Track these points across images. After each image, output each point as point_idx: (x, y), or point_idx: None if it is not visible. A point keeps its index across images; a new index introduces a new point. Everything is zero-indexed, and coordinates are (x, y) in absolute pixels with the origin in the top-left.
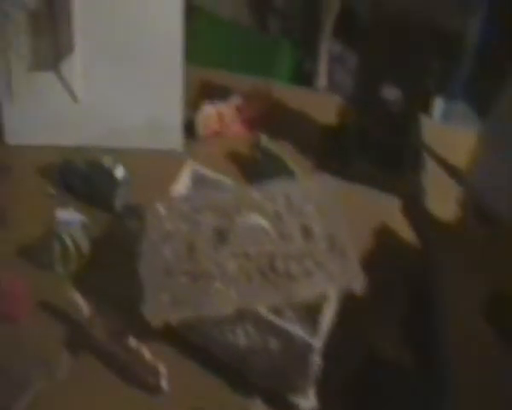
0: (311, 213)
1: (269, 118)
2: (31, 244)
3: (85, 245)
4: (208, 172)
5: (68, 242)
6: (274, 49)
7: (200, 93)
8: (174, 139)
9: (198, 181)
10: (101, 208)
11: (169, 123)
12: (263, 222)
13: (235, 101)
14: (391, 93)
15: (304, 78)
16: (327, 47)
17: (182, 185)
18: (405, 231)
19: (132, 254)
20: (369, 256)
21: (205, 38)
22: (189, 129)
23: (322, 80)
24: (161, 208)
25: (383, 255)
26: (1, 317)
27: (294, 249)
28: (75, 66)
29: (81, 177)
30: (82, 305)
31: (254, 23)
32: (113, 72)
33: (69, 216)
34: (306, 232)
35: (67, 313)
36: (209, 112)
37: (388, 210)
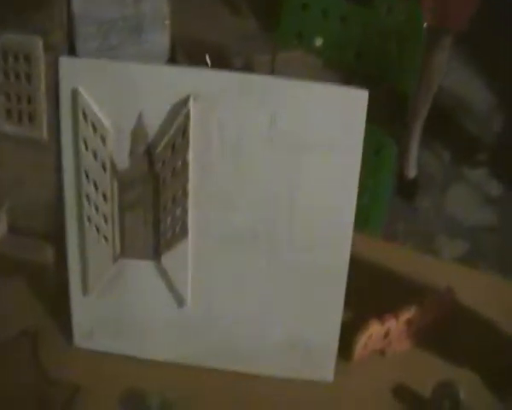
0: None
1: (441, 326)
2: None
3: None
4: None
5: None
6: (380, 148)
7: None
8: (323, 367)
9: None
10: None
11: (317, 348)
12: None
13: (409, 314)
14: None
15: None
16: (418, 138)
17: None
18: None
19: None
20: None
21: None
22: (341, 347)
23: (411, 171)
24: None
25: None
26: None
27: None
28: (184, 258)
29: None
30: None
31: None
32: (236, 270)
33: None
34: None
35: None
36: (375, 330)
37: None
